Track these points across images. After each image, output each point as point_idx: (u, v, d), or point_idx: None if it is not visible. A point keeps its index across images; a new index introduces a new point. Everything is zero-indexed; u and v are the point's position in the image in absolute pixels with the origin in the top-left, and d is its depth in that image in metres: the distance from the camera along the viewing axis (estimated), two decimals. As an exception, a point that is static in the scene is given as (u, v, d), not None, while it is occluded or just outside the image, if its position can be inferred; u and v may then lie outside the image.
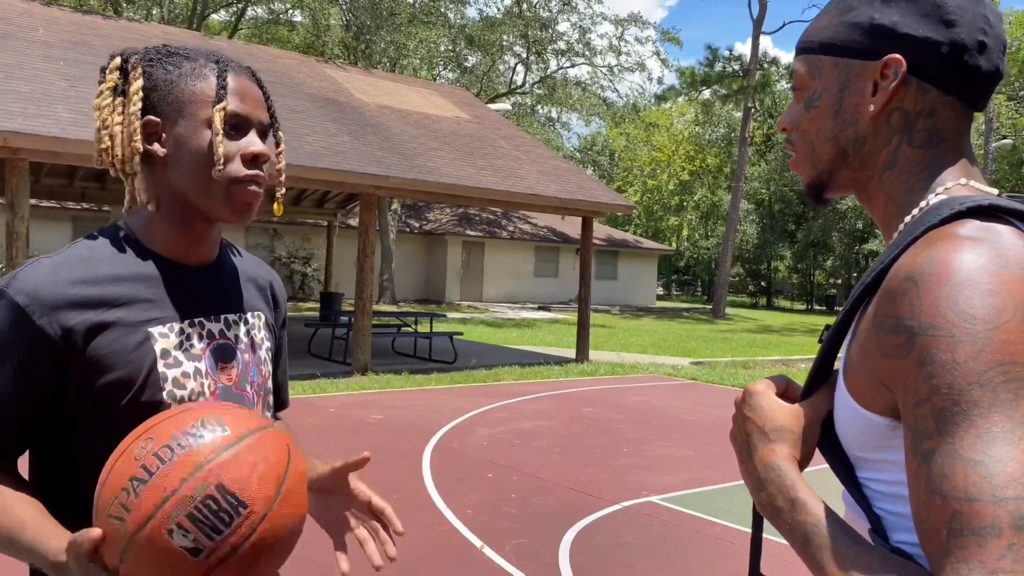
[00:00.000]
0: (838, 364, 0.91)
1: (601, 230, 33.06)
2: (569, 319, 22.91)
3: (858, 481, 0.86)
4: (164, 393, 1.15)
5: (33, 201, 16.00)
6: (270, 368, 1.34)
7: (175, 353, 1.17)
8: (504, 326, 20.12)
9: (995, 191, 0.88)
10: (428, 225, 28.93)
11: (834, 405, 0.89)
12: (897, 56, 0.86)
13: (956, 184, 0.87)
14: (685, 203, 46.78)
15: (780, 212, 43.29)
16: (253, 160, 1.19)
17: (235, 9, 28.28)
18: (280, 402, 1.52)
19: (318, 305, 21.02)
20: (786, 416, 0.89)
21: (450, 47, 29.27)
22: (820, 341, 0.95)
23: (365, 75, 16.71)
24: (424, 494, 5.32)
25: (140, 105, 1.16)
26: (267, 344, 1.34)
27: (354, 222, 21.85)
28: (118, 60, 1.19)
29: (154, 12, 26.51)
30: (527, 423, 7.91)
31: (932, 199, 0.86)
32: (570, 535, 4.65)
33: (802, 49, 0.96)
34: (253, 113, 1.20)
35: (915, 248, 0.79)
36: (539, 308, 28.27)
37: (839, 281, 45.56)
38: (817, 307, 44.99)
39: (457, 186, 11.37)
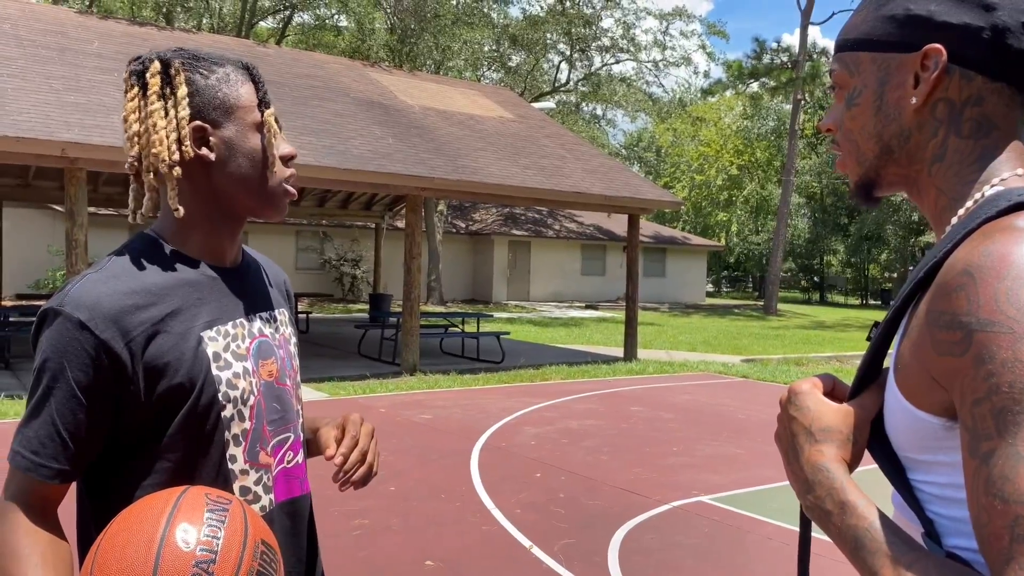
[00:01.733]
0: (888, 362, 0.88)
1: (648, 227, 32.81)
2: (617, 317, 22.78)
3: (909, 483, 0.83)
4: (220, 395, 1.17)
5: (91, 209, 16.49)
6: (298, 362, 1.39)
7: (224, 355, 1.19)
8: (551, 325, 20.08)
9: None
10: (474, 225, 29.04)
11: (884, 405, 0.86)
12: (936, 46, 0.84)
13: (1013, 175, 0.84)
14: (734, 198, 46.12)
15: (832, 205, 42.42)
16: (289, 160, 1.27)
17: (282, 16, 28.76)
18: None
19: (367, 306, 21.27)
20: (833, 416, 0.86)
21: (494, 47, 29.33)
22: (869, 339, 0.92)
23: (410, 78, 16.84)
24: (472, 494, 5.34)
25: (189, 111, 1.17)
26: (294, 339, 1.38)
27: (401, 224, 22.04)
28: (158, 64, 1.19)
29: (204, 21, 27.10)
30: (575, 422, 7.88)
31: (988, 191, 0.83)
32: (619, 535, 4.61)
33: (840, 47, 0.94)
34: (278, 118, 1.27)
35: (971, 241, 0.76)
36: (586, 307, 28.17)
37: (894, 275, 44.45)
38: (872, 302, 43.97)
39: (502, 186, 11.38)
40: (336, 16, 28.52)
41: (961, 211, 0.84)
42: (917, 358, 0.78)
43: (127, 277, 1.14)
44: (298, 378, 1.37)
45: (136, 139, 1.18)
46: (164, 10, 24.87)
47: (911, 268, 40.81)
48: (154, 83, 1.17)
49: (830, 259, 44.85)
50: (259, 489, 1.22)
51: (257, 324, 1.27)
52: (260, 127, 1.21)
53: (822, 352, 15.98)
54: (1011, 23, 0.82)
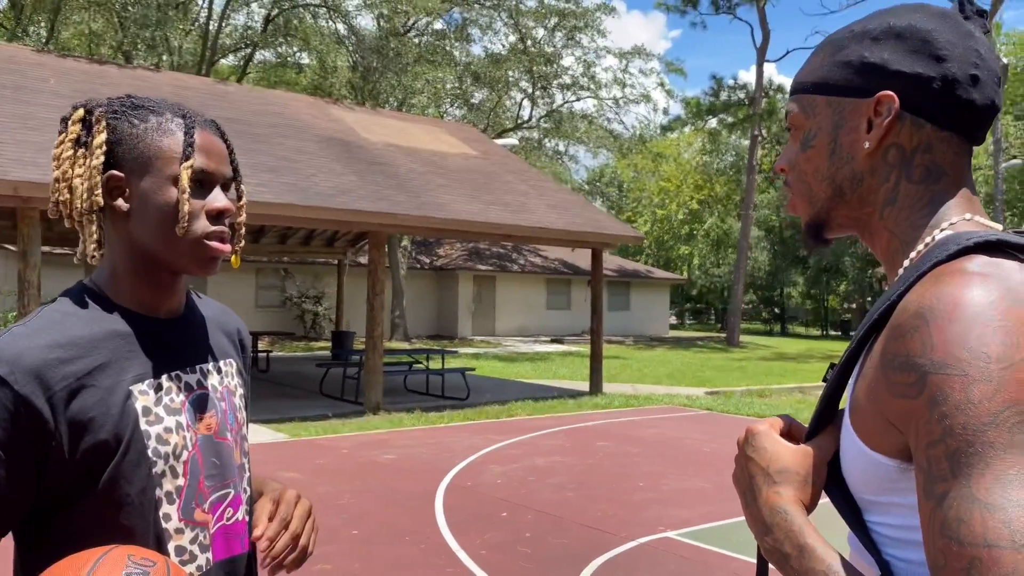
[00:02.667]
0: (844, 404, 0.88)
1: (612, 261, 33.04)
2: (582, 351, 22.80)
3: (866, 525, 0.83)
4: (149, 451, 1.13)
5: (46, 248, 16.15)
6: (245, 415, 1.34)
7: (155, 409, 1.16)
8: (517, 360, 20.03)
9: (999, 226, 0.87)
10: (439, 261, 29.00)
11: (840, 446, 0.86)
12: (889, 93, 0.86)
13: (961, 219, 0.86)
14: (695, 232, 46.74)
15: (791, 238, 43.17)
16: (218, 216, 1.20)
17: (243, 54, 28.73)
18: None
19: (330, 344, 21.02)
20: (791, 457, 0.86)
21: (456, 84, 29.57)
22: (825, 380, 0.92)
23: (372, 115, 16.88)
24: (437, 535, 5.24)
25: (103, 159, 1.15)
26: (240, 391, 1.33)
27: (364, 260, 21.92)
28: (81, 112, 1.18)
29: (164, 59, 26.97)
30: (541, 459, 7.82)
31: (938, 235, 0.85)
32: (586, 574, 4.55)
33: (796, 90, 0.96)
34: (218, 169, 1.20)
35: (923, 284, 0.77)
36: (552, 341, 28.17)
37: (853, 306, 45.22)
38: (832, 332, 44.62)
39: (466, 222, 11.39)
40: (298, 54, 28.56)
41: (913, 254, 0.86)
42: (872, 400, 0.78)
43: (53, 330, 1.11)
44: (244, 431, 1.33)
45: (55, 184, 1.17)
46: (123, 48, 24.70)
47: (869, 299, 41.60)
48: (73, 130, 1.17)
49: (790, 291, 45.54)
50: (195, 548, 1.17)
51: (196, 376, 1.23)
52: (176, 180, 1.16)
53: (784, 383, 16.13)
54: (960, 75, 0.85)
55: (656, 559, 4.85)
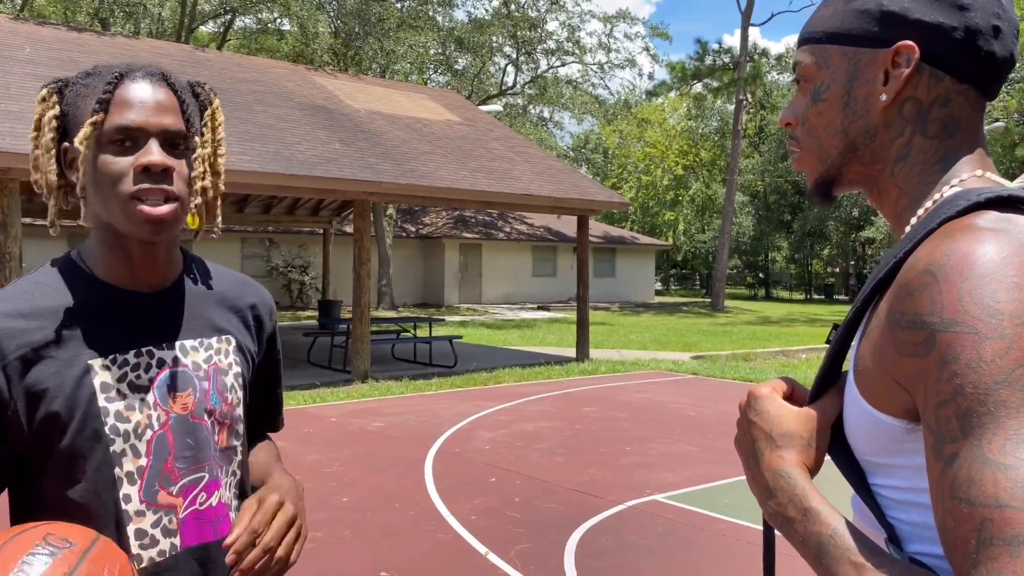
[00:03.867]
0: (848, 365, 0.87)
1: (598, 227, 33.03)
2: (569, 318, 22.88)
3: (870, 488, 0.82)
4: (107, 428, 1.10)
5: (27, 220, 15.95)
6: (240, 395, 1.26)
7: (119, 385, 1.12)
8: (504, 327, 20.09)
9: (1011, 183, 0.84)
10: (424, 229, 28.91)
11: (844, 408, 0.85)
12: (909, 43, 0.82)
13: (972, 176, 0.83)
14: (680, 198, 46.74)
15: (775, 203, 43.27)
16: (145, 172, 1.09)
17: (223, 20, 28.25)
18: (273, 425, 1.46)
19: (316, 313, 21.00)
20: (794, 420, 0.85)
21: (440, 50, 29.24)
22: (828, 342, 0.90)
23: (355, 81, 16.69)
24: (427, 501, 5.29)
25: (52, 135, 1.13)
26: (237, 369, 1.26)
27: (350, 229, 21.82)
28: (44, 91, 1.15)
29: (143, 26, 26.48)
30: (529, 425, 7.88)
31: (947, 191, 0.82)
32: (575, 538, 4.62)
33: (806, 39, 0.92)
34: (149, 122, 1.10)
35: (932, 241, 0.75)
36: (538, 308, 28.25)
37: (837, 270, 45.54)
38: (816, 296, 44.94)
39: (451, 189, 11.34)
40: (279, 20, 28.11)
41: (921, 211, 0.84)
42: (878, 360, 0.76)
43: (19, 299, 1.10)
44: (236, 412, 1.24)
45: (31, 164, 1.16)
46: (100, 15, 24.21)
47: (853, 263, 41.88)
48: (38, 110, 1.16)
49: (774, 255, 45.75)
50: (157, 532, 1.13)
51: (172, 353, 1.18)
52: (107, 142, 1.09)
53: (769, 347, 16.28)
54: (983, 25, 0.82)
55: (644, 522, 4.92)
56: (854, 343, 0.85)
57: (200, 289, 1.26)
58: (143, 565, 1.12)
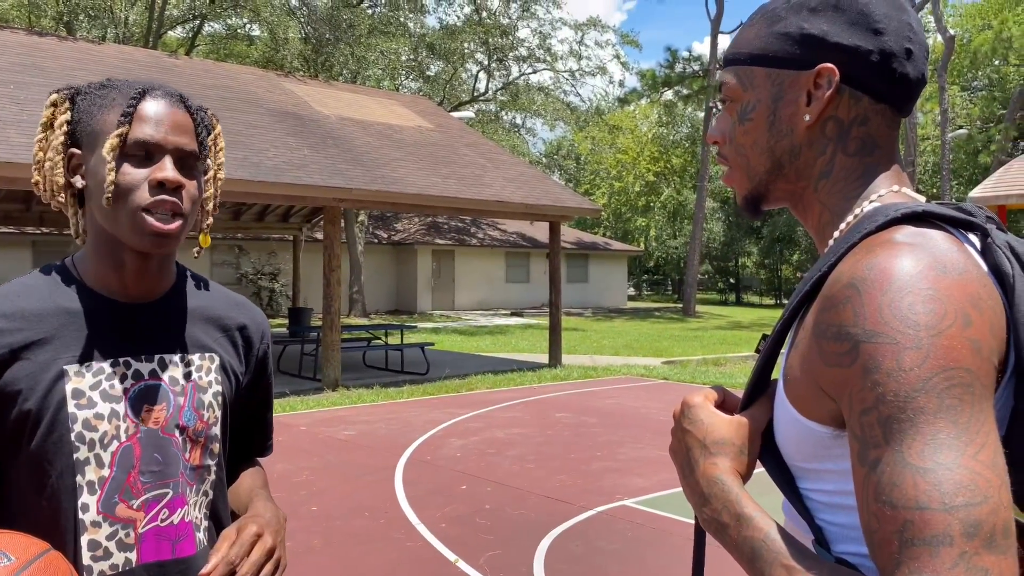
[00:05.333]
0: (777, 374, 0.89)
1: (570, 234, 33.14)
2: (542, 324, 22.91)
3: (799, 492, 0.85)
4: (72, 435, 1.11)
5: (-10, 227, 15.68)
6: (219, 414, 1.25)
7: (90, 393, 1.13)
8: (477, 334, 20.07)
9: (923, 198, 0.88)
10: (397, 235, 28.81)
11: (774, 415, 0.88)
12: (830, 65, 0.86)
13: (889, 191, 0.87)
14: (652, 204, 47.04)
15: (746, 209, 43.66)
16: (159, 186, 1.13)
17: (192, 26, 27.98)
18: (261, 449, 1.44)
19: (287, 321, 20.81)
20: (726, 428, 0.87)
21: (411, 56, 29.20)
22: (758, 351, 0.93)
23: (325, 87, 16.61)
24: (397, 510, 5.27)
25: (62, 139, 1.16)
26: (217, 388, 1.25)
27: (320, 235, 21.68)
28: (54, 96, 1.19)
29: (109, 32, 26.14)
30: (500, 432, 7.87)
31: (867, 206, 0.86)
32: (545, 544, 4.62)
33: (731, 60, 0.95)
34: (167, 139, 1.15)
35: (853, 255, 0.78)
36: (512, 314, 28.25)
37: (806, 275, 46.05)
38: (785, 301, 45.23)
39: (422, 195, 11.32)
40: (248, 26, 27.90)
41: (843, 225, 0.87)
42: (806, 369, 0.79)
43: (4, 300, 1.13)
44: (212, 431, 1.23)
45: (33, 166, 1.20)
46: (64, 19, 23.86)
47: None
48: (46, 114, 1.19)
49: (744, 261, 46.21)
50: (111, 545, 1.11)
51: (150, 366, 1.18)
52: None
53: (739, 352, 16.42)
54: (896, 48, 0.86)
55: (613, 527, 4.94)
56: (783, 353, 0.88)
57: (190, 305, 1.27)
58: None
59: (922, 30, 0.89)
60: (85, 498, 1.10)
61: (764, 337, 0.92)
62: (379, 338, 13.60)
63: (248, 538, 1.12)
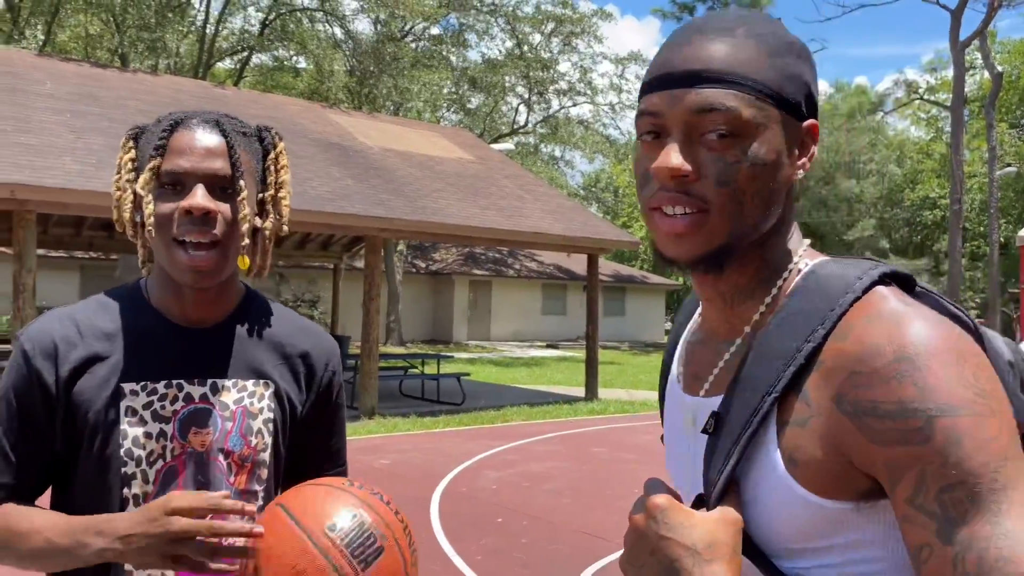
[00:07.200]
0: (759, 456, 0.80)
1: (608, 266, 33.06)
2: (578, 356, 22.80)
3: (784, 572, 0.80)
4: (122, 451, 1.16)
5: (41, 251, 16.09)
6: (268, 441, 1.25)
7: (143, 412, 1.18)
8: (512, 365, 20.02)
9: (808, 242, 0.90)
10: (434, 265, 28.99)
11: (755, 500, 0.80)
12: (815, 122, 0.85)
13: (805, 247, 0.87)
14: (691, 237, 46.82)
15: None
16: (187, 215, 1.12)
17: (240, 57, 28.73)
18: (337, 471, 1.41)
19: (325, 348, 20.93)
20: (715, 527, 0.76)
21: (453, 89, 29.61)
22: (706, 431, 0.83)
23: (369, 119, 16.89)
24: (432, 541, 5.24)
25: (129, 176, 1.21)
26: (269, 415, 1.25)
27: (360, 264, 21.91)
28: (124, 136, 1.25)
29: (161, 63, 26.97)
30: (536, 465, 7.81)
31: (801, 264, 0.84)
32: (581, 581, 4.55)
33: (735, 83, 0.78)
34: (196, 167, 1.14)
35: (870, 325, 0.75)
36: (547, 346, 28.18)
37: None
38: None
39: (461, 226, 11.40)
40: (295, 58, 28.58)
41: (780, 282, 0.84)
42: (832, 449, 0.75)
43: (82, 316, 1.20)
44: (260, 457, 1.23)
45: (113, 202, 1.25)
46: (120, 51, 24.67)
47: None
48: (120, 154, 1.24)
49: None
50: None
51: (202, 390, 1.21)
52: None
53: (780, 389, 16.13)
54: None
55: (651, 566, 4.85)
56: (769, 435, 0.79)
57: (251, 330, 1.28)
58: None
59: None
60: (131, 510, 1.15)
61: (715, 414, 0.82)
62: (415, 367, 13.63)
63: None
